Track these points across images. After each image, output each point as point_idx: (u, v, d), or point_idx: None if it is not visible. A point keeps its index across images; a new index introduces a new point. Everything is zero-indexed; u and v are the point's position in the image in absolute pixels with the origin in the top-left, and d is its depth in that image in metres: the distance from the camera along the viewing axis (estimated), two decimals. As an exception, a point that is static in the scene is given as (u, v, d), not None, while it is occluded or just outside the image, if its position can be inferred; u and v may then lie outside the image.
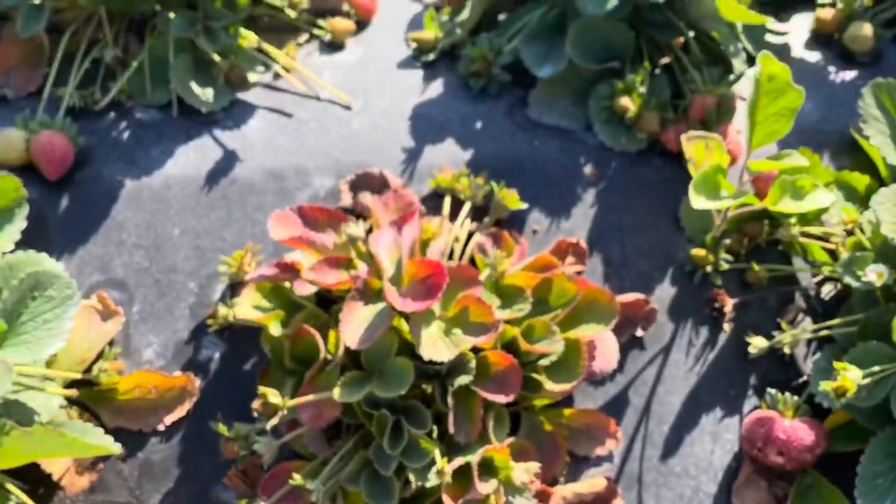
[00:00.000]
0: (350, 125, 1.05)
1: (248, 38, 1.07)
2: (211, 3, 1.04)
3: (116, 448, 0.79)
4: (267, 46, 1.09)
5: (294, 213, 0.92)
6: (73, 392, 0.87)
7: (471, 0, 1.14)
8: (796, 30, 1.19)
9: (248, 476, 0.87)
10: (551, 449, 0.88)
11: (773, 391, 0.91)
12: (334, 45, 1.14)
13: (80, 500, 0.87)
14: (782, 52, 1.17)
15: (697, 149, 0.92)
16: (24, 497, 0.81)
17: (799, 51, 1.17)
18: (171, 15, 1.02)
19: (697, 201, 0.82)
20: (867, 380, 0.81)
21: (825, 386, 0.80)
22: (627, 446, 0.92)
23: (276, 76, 1.09)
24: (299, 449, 0.85)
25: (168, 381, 0.90)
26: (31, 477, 0.85)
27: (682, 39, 1.09)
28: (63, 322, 0.81)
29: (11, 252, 0.89)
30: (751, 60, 1.14)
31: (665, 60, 1.10)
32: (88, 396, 0.89)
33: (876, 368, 0.81)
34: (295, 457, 0.86)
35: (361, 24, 1.18)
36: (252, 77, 1.07)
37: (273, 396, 0.80)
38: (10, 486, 0.80)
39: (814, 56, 1.16)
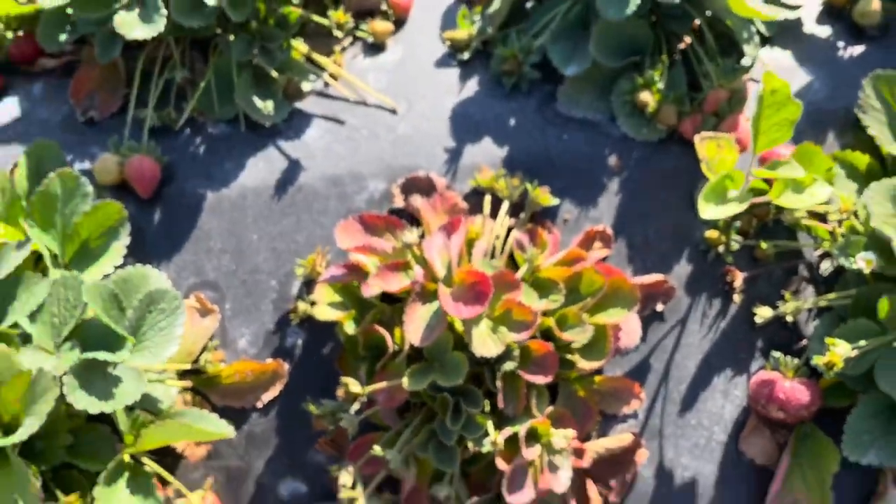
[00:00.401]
0: (396, 130, 1.17)
1: (300, 49, 1.19)
2: (265, 24, 1.15)
3: (230, 432, 0.98)
4: (316, 56, 1.20)
5: (356, 221, 1.06)
6: (188, 383, 1.06)
7: (500, -5, 1.24)
8: (809, 3, 1.27)
9: (337, 443, 1.05)
10: (584, 412, 1.05)
11: (776, 354, 1.05)
12: (376, 47, 1.25)
13: (200, 466, 1.07)
14: (795, 27, 1.25)
15: (710, 148, 1.03)
16: (157, 467, 1.00)
17: (810, 26, 1.24)
18: (231, 37, 1.14)
19: (706, 211, 0.94)
20: (855, 352, 0.95)
21: (817, 360, 0.95)
22: (650, 405, 1.08)
23: (327, 83, 1.21)
24: (377, 422, 1.03)
25: (261, 366, 1.08)
26: (159, 450, 1.05)
27: (697, 23, 1.18)
28: (175, 329, 0.98)
29: (122, 266, 1.06)
30: (764, 41, 1.23)
31: (682, 46, 1.19)
32: (199, 383, 1.07)
33: (862, 343, 0.95)
34: (373, 428, 1.04)
35: (399, 22, 1.28)
36: (305, 87, 1.19)
37: (353, 385, 0.97)
38: (145, 460, 1.00)
39: (824, 31, 1.24)
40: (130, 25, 1.05)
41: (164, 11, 1.06)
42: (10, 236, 1.02)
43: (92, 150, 1.16)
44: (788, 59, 1.21)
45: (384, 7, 1.28)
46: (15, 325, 0.91)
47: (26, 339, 0.91)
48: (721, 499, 1.06)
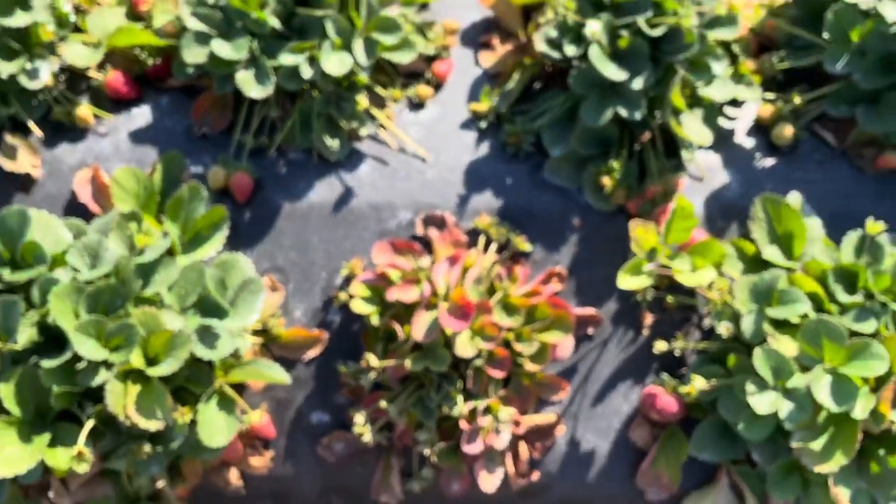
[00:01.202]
0: (425, 174, 1.61)
1: (362, 104, 1.61)
2: (341, 87, 1.57)
3: (287, 379, 1.45)
4: (374, 110, 1.62)
5: (387, 244, 1.51)
6: (259, 339, 1.53)
7: (516, 74, 1.66)
8: (745, 116, 1.68)
9: (355, 393, 1.53)
10: (526, 396, 1.53)
11: (663, 375, 1.52)
12: (418, 105, 1.67)
13: (259, 394, 1.55)
14: (728, 136, 1.67)
15: (639, 230, 1.48)
16: (233, 392, 1.48)
17: (740, 137, 1.66)
18: (315, 93, 1.56)
19: (623, 282, 1.39)
20: (707, 386, 1.42)
21: (682, 388, 1.42)
22: (572, 397, 1.56)
23: (378, 130, 1.63)
24: (384, 384, 1.51)
25: (309, 333, 1.55)
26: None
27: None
28: (257, 304, 1.44)
29: (221, 253, 1.51)
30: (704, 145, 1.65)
31: (643, 139, 1.62)
32: (265, 338, 1.54)
33: (713, 381, 1.42)
34: (381, 387, 1.51)
35: (438, 86, 1.70)
36: (363, 132, 1.62)
37: (373, 360, 1.44)
38: (226, 389, 1.47)
39: (749, 143, 1.66)
40: (248, 85, 1.48)
41: (273, 77, 1.48)
42: (149, 223, 1.47)
43: (205, 159, 1.60)
44: (717, 161, 1.64)
45: (428, 73, 1.69)
46: (156, 294, 1.37)
47: (163, 304, 1.38)
48: (609, 466, 1.55)
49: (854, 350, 1.26)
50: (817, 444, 1.27)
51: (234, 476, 1.52)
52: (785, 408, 1.27)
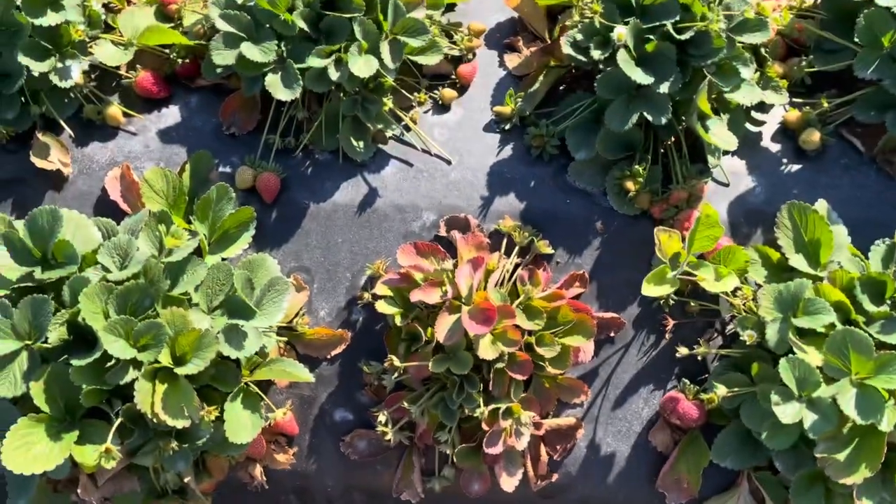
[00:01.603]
0: (449, 176, 1.62)
1: (388, 105, 1.61)
2: (367, 89, 1.58)
3: (311, 378, 1.47)
4: (399, 112, 1.63)
5: (411, 246, 1.52)
6: (284, 338, 1.55)
7: (541, 77, 1.65)
8: (771, 121, 1.67)
9: (377, 393, 1.55)
10: (546, 398, 1.53)
11: (685, 380, 1.52)
12: (443, 107, 1.68)
13: (284, 392, 1.57)
14: (755, 140, 1.65)
15: (663, 237, 1.48)
16: (257, 390, 1.50)
17: (766, 141, 1.65)
18: (342, 95, 1.57)
19: (647, 289, 1.39)
20: (730, 394, 1.42)
21: (704, 396, 1.42)
22: (592, 400, 1.57)
23: (403, 132, 1.64)
24: (406, 384, 1.52)
25: (333, 332, 1.56)
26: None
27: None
28: (283, 303, 1.46)
29: (247, 252, 1.53)
30: (727, 151, 1.64)
31: (668, 143, 1.61)
32: (290, 336, 1.56)
33: (735, 389, 1.41)
34: (403, 387, 1.53)
35: (462, 88, 1.70)
36: (388, 133, 1.63)
37: (395, 361, 1.46)
38: (252, 387, 1.49)
39: (775, 147, 1.64)
40: (276, 87, 1.49)
41: (300, 80, 1.49)
42: (178, 223, 1.49)
43: (232, 159, 1.62)
44: (742, 166, 1.63)
45: (453, 75, 1.69)
46: (185, 293, 1.39)
47: (191, 303, 1.40)
48: (629, 470, 1.55)
49: (881, 362, 1.25)
50: (842, 455, 1.26)
51: (257, 472, 1.54)
52: (810, 418, 1.27)
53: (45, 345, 1.30)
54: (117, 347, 1.28)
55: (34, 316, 1.30)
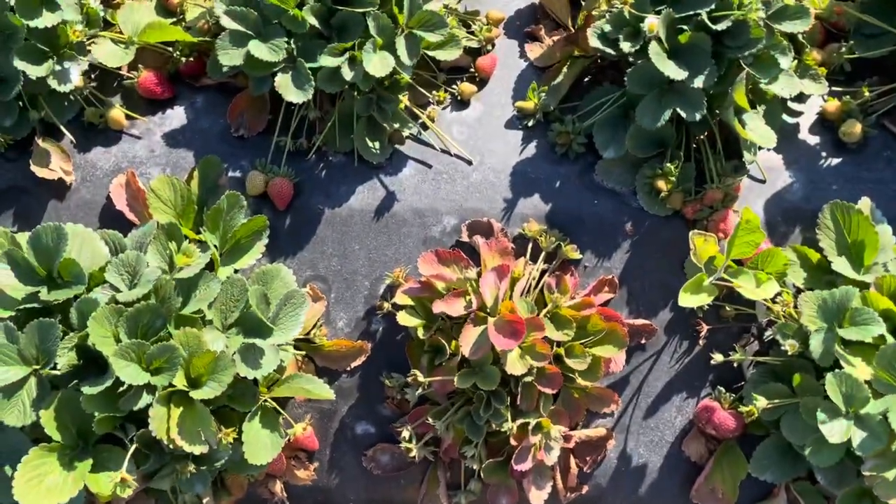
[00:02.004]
0: (470, 177, 1.54)
1: (404, 102, 1.53)
2: (382, 86, 1.49)
3: (331, 394, 1.41)
4: (416, 109, 1.54)
5: (433, 255, 1.45)
6: (301, 352, 1.48)
7: (565, 69, 1.57)
8: (809, 111, 1.58)
9: (400, 406, 1.49)
10: (576, 409, 1.47)
11: (720, 388, 1.46)
12: (462, 103, 1.59)
13: (303, 406, 1.51)
14: (792, 132, 1.57)
15: (699, 241, 1.40)
16: (276, 405, 1.45)
17: (804, 133, 1.56)
18: (356, 94, 1.49)
19: (684, 300, 1.32)
20: (770, 405, 1.35)
21: (742, 409, 1.36)
22: (623, 409, 1.51)
23: (420, 131, 1.55)
24: (430, 398, 1.46)
25: (352, 344, 1.50)
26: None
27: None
28: (300, 317, 1.39)
29: (261, 261, 1.46)
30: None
31: (700, 138, 1.53)
32: (308, 349, 1.50)
33: (776, 400, 1.35)
34: (426, 401, 1.47)
35: (482, 82, 1.61)
36: (405, 133, 1.54)
37: (419, 376, 1.39)
38: (270, 404, 1.44)
39: (813, 140, 1.56)
40: (287, 89, 1.41)
41: (312, 82, 1.41)
42: (187, 233, 1.42)
43: (241, 162, 1.54)
44: (779, 161, 1.54)
45: (472, 68, 1.60)
46: (198, 311, 1.33)
47: (205, 321, 1.33)
48: (661, 481, 1.50)
49: (934, 378, 1.19)
50: (892, 474, 1.20)
51: (278, 488, 1.49)
52: (858, 436, 1.21)
53: (53, 371, 1.24)
54: (129, 373, 1.21)
55: (41, 340, 1.24)
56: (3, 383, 1.21)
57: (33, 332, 1.24)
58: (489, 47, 1.62)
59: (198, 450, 1.25)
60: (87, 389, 1.21)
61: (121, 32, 1.54)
